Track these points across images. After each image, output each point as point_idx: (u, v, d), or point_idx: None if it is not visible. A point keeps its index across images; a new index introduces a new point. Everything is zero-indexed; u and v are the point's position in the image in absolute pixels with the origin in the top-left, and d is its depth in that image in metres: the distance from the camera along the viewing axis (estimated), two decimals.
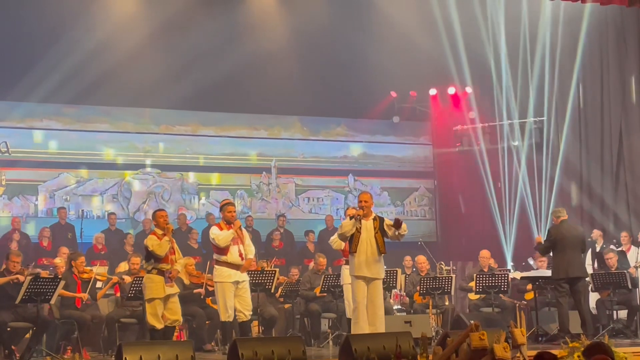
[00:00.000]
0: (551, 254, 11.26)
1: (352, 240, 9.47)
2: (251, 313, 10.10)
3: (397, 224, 9.47)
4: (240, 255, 9.92)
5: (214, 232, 10.01)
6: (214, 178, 17.10)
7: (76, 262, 10.59)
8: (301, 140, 17.81)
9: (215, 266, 10.01)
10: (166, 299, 9.53)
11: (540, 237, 12.05)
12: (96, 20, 14.70)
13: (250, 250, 10.16)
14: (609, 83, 15.23)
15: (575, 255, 10.76)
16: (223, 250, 9.89)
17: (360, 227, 9.47)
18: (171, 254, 9.57)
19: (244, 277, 10.01)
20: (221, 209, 10.28)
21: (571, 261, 10.68)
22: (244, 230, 10.31)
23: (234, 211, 10.14)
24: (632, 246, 13.25)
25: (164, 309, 9.50)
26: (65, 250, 12.46)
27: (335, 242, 10.67)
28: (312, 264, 13.22)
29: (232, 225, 9.95)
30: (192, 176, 16.89)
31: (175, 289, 9.68)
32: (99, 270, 11.39)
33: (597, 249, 13.17)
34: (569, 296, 10.88)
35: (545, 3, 15.11)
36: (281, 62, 15.97)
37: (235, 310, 9.86)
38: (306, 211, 17.59)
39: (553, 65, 15.86)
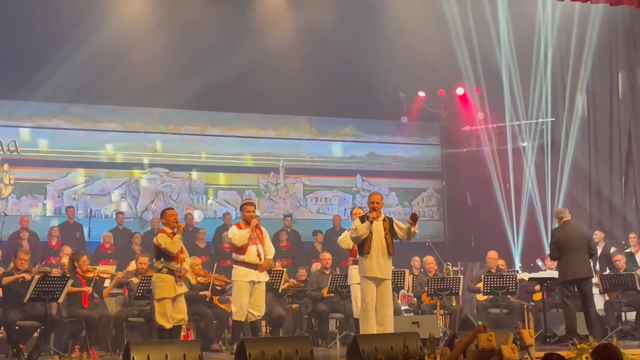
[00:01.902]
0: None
1: (365, 241, 9.46)
2: (261, 315, 10.11)
3: (415, 218, 9.46)
4: (259, 255, 9.97)
5: (232, 231, 10.13)
6: (222, 178, 17.11)
7: (79, 262, 10.59)
8: (309, 141, 17.81)
9: (234, 265, 10.08)
10: (175, 298, 9.55)
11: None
12: (105, 19, 14.72)
13: (270, 251, 10.23)
14: (618, 84, 15.21)
15: (581, 257, 10.65)
16: (240, 250, 9.97)
17: (371, 228, 9.47)
18: (180, 252, 9.59)
19: (262, 277, 10.07)
20: (241, 208, 10.44)
21: (577, 262, 10.60)
22: (264, 230, 10.35)
23: (253, 211, 10.19)
24: None
25: (172, 308, 9.52)
26: (68, 250, 12.48)
27: (344, 241, 10.68)
28: (314, 265, 13.22)
29: (250, 224, 10.00)
30: (200, 176, 16.91)
31: (183, 289, 9.71)
32: (103, 268, 11.39)
33: (599, 251, 13.11)
34: (575, 298, 10.84)
35: (554, 4, 15.08)
36: (289, 62, 15.98)
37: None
38: (314, 211, 17.59)
39: (562, 66, 15.83)
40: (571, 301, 10.62)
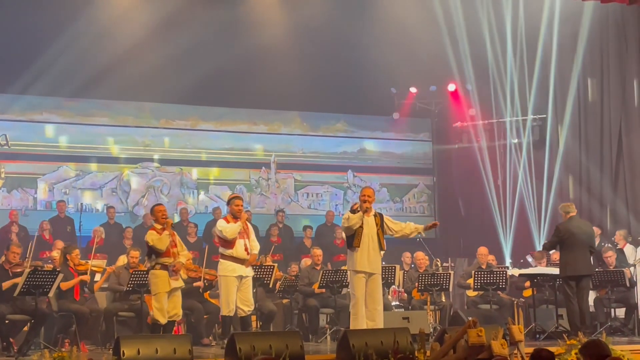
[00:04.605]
0: (557, 250, 11.22)
1: (355, 235, 9.48)
2: (251, 309, 10.11)
3: (434, 226, 10.05)
4: (246, 249, 9.92)
5: (221, 224, 9.98)
6: (213, 173, 17.11)
7: (71, 256, 10.58)
8: (301, 136, 17.82)
9: (220, 260, 10.00)
10: (170, 292, 9.54)
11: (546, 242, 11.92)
12: (97, 13, 14.69)
13: (255, 246, 10.19)
14: (609, 81, 15.23)
15: (583, 253, 10.66)
16: (229, 244, 9.89)
17: (362, 223, 9.49)
18: (172, 247, 9.57)
19: (249, 272, 10.02)
20: (228, 202, 10.30)
21: (579, 259, 10.60)
22: (249, 225, 10.32)
23: (241, 205, 10.11)
24: (628, 244, 13.24)
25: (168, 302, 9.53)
26: (61, 244, 12.46)
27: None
28: (303, 261, 13.22)
29: (239, 218, 9.97)
30: (191, 171, 16.90)
31: (179, 283, 9.69)
32: (95, 262, 11.38)
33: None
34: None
35: (546, 0, 15.10)
36: (281, 58, 15.95)
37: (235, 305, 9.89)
38: (305, 206, 17.60)
39: (553, 62, 15.85)
40: (574, 298, 10.60)
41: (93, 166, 16.19)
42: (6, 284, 9.71)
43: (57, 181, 15.94)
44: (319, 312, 11.70)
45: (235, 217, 9.99)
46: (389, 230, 9.67)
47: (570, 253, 10.67)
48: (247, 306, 9.97)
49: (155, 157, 16.66)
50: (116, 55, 14.77)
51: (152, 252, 9.55)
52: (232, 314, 9.87)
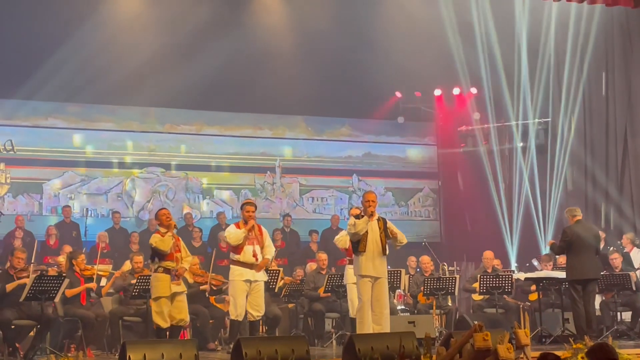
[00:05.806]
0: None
1: (360, 240, 9.47)
2: (261, 314, 10.12)
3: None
4: (255, 255, 9.95)
5: (229, 230, 10.15)
6: (219, 177, 17.11)
7: (77, 261, 10.60)
8: (305, 140, 17.82)
9: (230, 265, 10.06)
10: (173, 297, 9.52)
11: (553, 241, 11.89)
12: (102, 19, 14.72)
13: (269, 251, 10.23)
14: (614, 84, 15.21)
15: (590, 257, 10.62)
16: (237, 249, 9.96)
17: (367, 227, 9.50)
18: (176, 251, 9.57)
19: (259, 277, 10.03)
20: (241, 207, 10.45)
21: (586, 262, 10.56)
22: (265, 231, 10.33)
23: (252, 211, 10.13)
24: (635, 247, 13.21)
25: (170, 307, 9.50)
26: (68, 248, 12.49)
27: (341, 240, 10.72)
28: (309, 265, 13.21)
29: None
30: (196, 175, 16.90)
31: (182, 287, 9.67)
32: (101, 267, 11.39)
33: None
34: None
35: (551, 4, 15.10)
36: (286, 62, 15.96)
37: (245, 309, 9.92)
38: (310, 211, 17.59)
39: (558, 66, 15.85)
40: (580, 301, 10.56)
41: (98, 171, 16.21)
42: (10, 286, 9.73)
43: (63, 186, 15.96)
44: (324, 316, 11.71)
45: (247, 222, 10.05)
46: (391, 234, 9.67)
47: (576, 256, 10.63)
48: (257, 311, 9.98)
49: (161, 162, 16.66)
50: (121, 60, 14.80)
51: (155, 255, 9.56)
52: (240, 319, 9.88)
